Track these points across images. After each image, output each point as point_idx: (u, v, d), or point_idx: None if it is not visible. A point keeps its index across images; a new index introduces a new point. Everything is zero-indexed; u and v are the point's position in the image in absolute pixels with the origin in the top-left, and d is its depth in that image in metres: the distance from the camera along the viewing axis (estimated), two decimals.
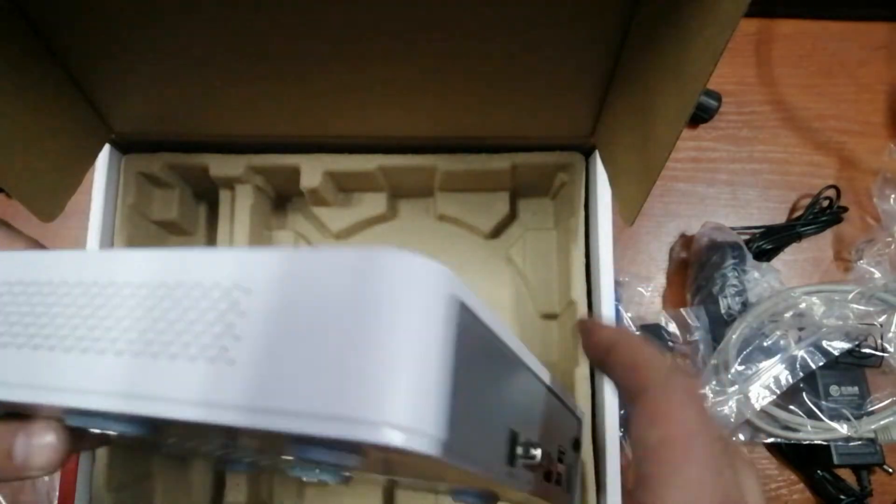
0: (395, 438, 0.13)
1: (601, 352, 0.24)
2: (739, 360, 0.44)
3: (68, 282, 0.18)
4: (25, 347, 0.18)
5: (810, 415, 0.44)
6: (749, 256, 0.47)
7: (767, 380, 0.44)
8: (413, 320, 0.14)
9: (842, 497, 0.45)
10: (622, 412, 0.36)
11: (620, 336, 0.24)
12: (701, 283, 0.47)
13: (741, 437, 0.45)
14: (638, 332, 0.47)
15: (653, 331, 0.47)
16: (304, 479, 0.22)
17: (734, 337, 0.44)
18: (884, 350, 0.44)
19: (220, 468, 0.40)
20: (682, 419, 0.19)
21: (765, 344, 0.44)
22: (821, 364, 0.43)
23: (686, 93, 0.24)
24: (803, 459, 0.46)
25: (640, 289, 0.50)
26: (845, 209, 0.50)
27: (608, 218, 0.38)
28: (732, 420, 0.43)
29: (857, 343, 0.44)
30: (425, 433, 0.14)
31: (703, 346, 0.45)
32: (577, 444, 0.27)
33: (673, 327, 0.47)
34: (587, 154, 0.40)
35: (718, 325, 0.46)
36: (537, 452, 0.20)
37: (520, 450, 0.20)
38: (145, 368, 0.16)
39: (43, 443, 0.20)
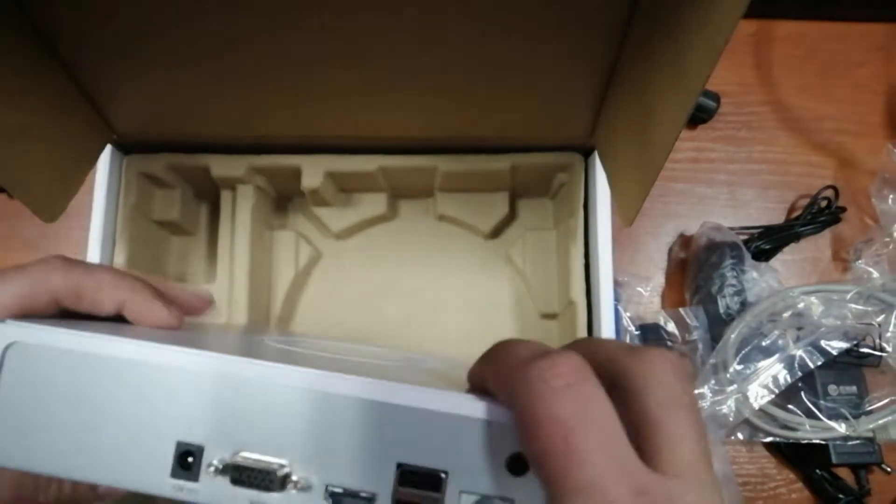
0: None
1: (479, 389, 0.20)
2: (738, 359, 0.44)
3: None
4: None
5: (809, 414, 0.44)
6: (748, 256, 0.47)
7: (766, 379, 0.44)
8: None
9: (840, 496, 0.45)
10: None
11: (483, 366, 0.20)
12: (700, 282, 0.48)
13: (740, 435, 0.45)
14: (637, 335, 0.47)
15: (652, 330, 0.47)
16: None
17: (733, 336, 0.45)
18: (882, 349, 0.44)
19: None
20: (553, 422, 0.15)
21: (763, 343, 0.44)
22: (819, 363, 0.44)
23: (685, 94, 0.24)
24: (802, 458, 0.46)
25: (639, 288, 0.50)
26: (843, 209, 0.50)
27: (607, 218, 0.39)
28: (731, 419, 0.43)
29: (855, 342, 0.44)
30: None
31: (701, 345, 0.46)
32: (514, 464, 0.19)
33: (672, 327, 0.47)
34: (586, 155, 0.40)
35: (717, 325, 0.46)
36: (210, 462, 0.19)
37: (208, 465, 0.19)
38: None
39: None
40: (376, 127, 0.38)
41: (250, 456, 0.20)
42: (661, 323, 0.47)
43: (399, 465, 0.19)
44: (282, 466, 0.19)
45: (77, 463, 0.20)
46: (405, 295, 0.45)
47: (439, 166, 0.41)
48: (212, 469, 0.20)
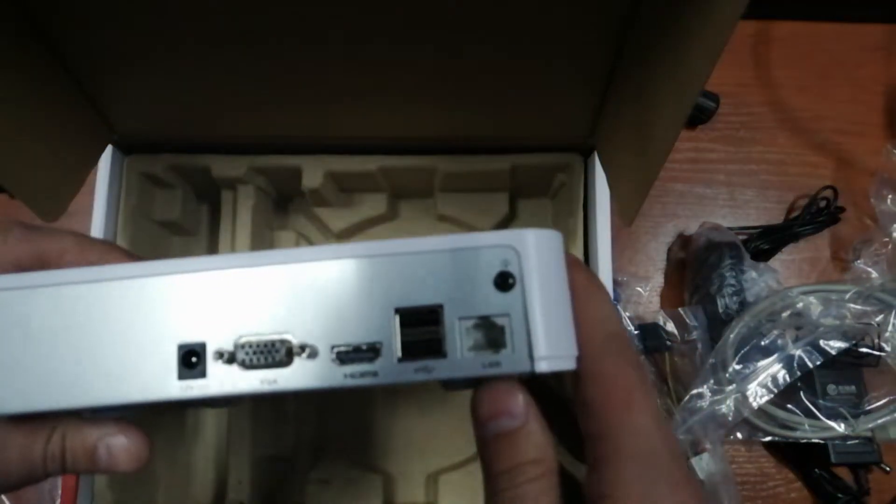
0: None
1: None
2: (737, 359, 0.44)
3: None
4: None
5: (808, 413, 0.44)
6: (747, 256, 0.47)
7: (765, 379, 0.44)
8: None
9: (839, 496, 0.45)
10: None
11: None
12: (699, 282, 0.48)
13: (739, 435, 0.45)
14: (636, 335, 0.47)
15: (651, 330, 0.47)
16: None
17: (732, 336, 0.45)
18: (881, 349, 0.45)
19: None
20: (620, 376, 0.20)
21: (762, 343, 0.44)
22: (818, 363, 0.44)
23: (684, 94, 0.24)
24: (801, 458, 0.46)
25: (638, 288, 0.50)
26: (842, 209, 0.50)
27: (607, 218, 0.39)
28: (730, 419, 0.44)
29: (854, 342, 0.44)
30: None
31: (701, 345, 0.46)
32: (501, 281, 0.20)
33: (671, 327, 0.47)
34: (586, 155, 0.41)
35: (716, 325, 0.46)
36: (220, 351, 0.20)
37: (214, 358, 0.20)
38: None
39: (119, 444, 0.22)
40: (376, 127, 0.38)
41: (252, 338, 0.20)
42: (661, 323, 0.47)
43: (397, 310, 0.20)
44: (285, 340, 0.20)
45: (84, 389, 0.20)
46: None
47: (439, 166, 0.41)
48: (217, 361, 0.20)
